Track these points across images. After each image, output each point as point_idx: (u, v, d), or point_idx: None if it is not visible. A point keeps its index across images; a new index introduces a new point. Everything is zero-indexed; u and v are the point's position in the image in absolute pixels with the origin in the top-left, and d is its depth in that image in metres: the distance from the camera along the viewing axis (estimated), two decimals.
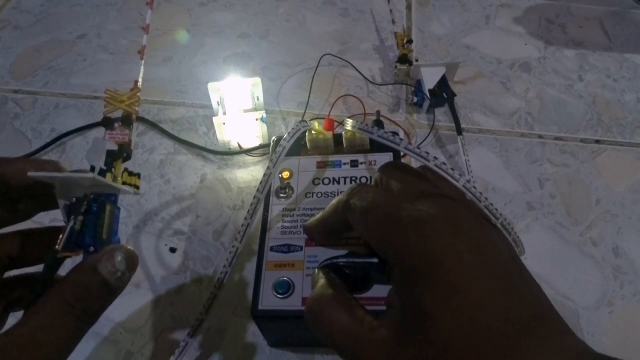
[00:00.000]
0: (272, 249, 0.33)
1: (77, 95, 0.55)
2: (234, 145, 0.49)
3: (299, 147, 0.38)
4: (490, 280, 0.20)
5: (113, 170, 0.24)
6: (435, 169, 0.29)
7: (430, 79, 0.52)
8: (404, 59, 0.54)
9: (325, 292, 0.25)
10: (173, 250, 0.43)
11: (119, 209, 0.24)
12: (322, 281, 0.26)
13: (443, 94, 0.52)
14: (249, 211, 0.32)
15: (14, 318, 0.24)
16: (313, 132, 0.37)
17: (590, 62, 0.59)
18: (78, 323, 0.20)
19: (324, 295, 0.24)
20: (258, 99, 0.47)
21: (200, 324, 0.34)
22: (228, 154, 0.49)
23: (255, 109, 0.47)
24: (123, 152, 0.25)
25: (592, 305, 0.40)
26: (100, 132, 0.51)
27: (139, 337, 0.38)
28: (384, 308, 0.29)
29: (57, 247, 0.21)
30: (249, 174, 0.48)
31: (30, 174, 0.21)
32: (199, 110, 0.53)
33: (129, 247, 0.23)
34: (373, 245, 0.25)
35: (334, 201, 0.28)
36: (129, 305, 0.39)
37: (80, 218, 0.22)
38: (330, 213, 0.29)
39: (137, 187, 0.25)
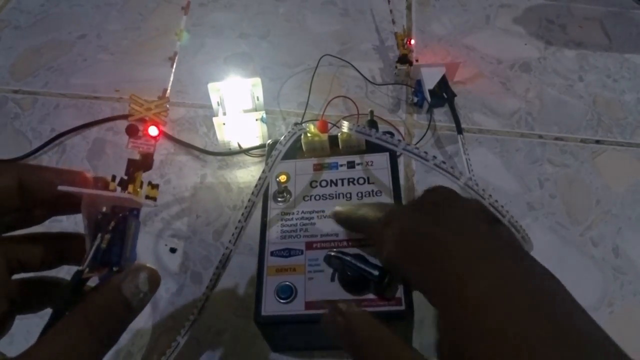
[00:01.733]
0: (272, 254, 0.33)
1: (77, 95, 0.55)
2: (233, 145, 0.49)
3: (294, 150, 0.38)
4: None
5: (134, 181, 0.23)
6: (435, 167, 0.29)
7: (430, 79, 0.52)
8: (404, 59, 0.54)
9: (379, 333, 0.23)
10: (173, 250, 0.43)
11: (140, 223, 0.23)
12: (368, 320, 0.24)
13: (443, 94, 0.52)
14: (242, 214, 0.32)
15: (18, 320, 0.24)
16: (308, 135, 0.37)
17: (590, 62, 0.59)
18: (101, 346, 0.20)
19: (380, 339, 0.23)
20: (258, 99, 0.47)
21: (192, 324, 0.33)
22: (228, 154, 0.49)
23: (255, 109, 0.47)
24: (146, 163, 0.23)
25: (592, 305, 0.40)
26: (100, 131, 0.51)
27: (139, 337, 0.38)
28: (380, 309, 0.30)
29: (82, 266, 0.21)
30: (249, 174, 0.48)
31: (61, 188, 0.21)
32: (198, 110, 0.53)
33: (151, 267, 0.22)
34: (406, 278, 0.25)
35: (371, 214, 0.27)
36: None
37: (107, 236, 0.21)
38: (362, 225, 0.28)
39: (155, 200, 0.24)
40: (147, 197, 0.23)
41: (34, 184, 0.22)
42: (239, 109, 0.47)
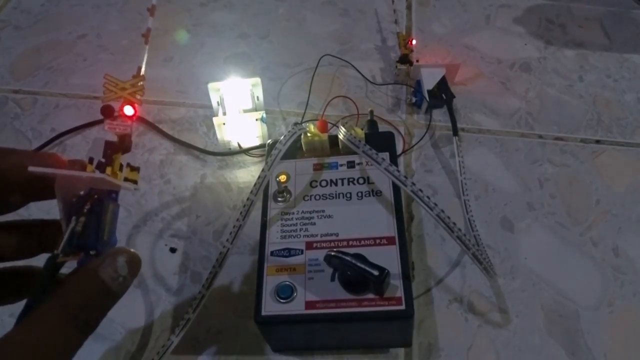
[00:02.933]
0: (272, 254, 0.33)
1: (77, 95, 0.55)
2: (233, 145, 0.49)
3: (294, 150, 0.38)
4: None
5: (112, 163, 0.22)
6: (411, 194, 0.29)
7: (429, 79, 0.52)
8: (405, 59, 0.54)
9: None
10: (173, 250, 0.43)
11: (119, 206, 0.22)
12: None
13: (442, 95, 0.52)
14: (241, 212, 0.32)
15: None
16: (308, 135, 0.37)
17: (590, 62, 0.59)
18: (79, 333, 0.19)
19: None
20: (258, 99, 0.47)
21: (186, 323, 0.33)
22: (228, 154, 0.49)
23: (255, 109, 0.47)
24: (124, 144, 0.22)
25: (591, 305, 0.40)
26: (100, 131, 0.51)
27: (139, 337, 0.38)
28: (380, 309, 0.30)
29: (56, 250, 0.20)
30: (249, 174, 0.48)
31: (31, 168, 0.20)
32: (198, 110, 0.53)
33: (131, 250, 0.21)
34: None
35: None
36: (129, 305, 0.39)
37: (82, 219, 0.20)
38: None
39: (136, 182, 0.23)
40: (127, 179, 0.22)
41: (4, 169, 0.21)
42: (238, 109, 0.47)
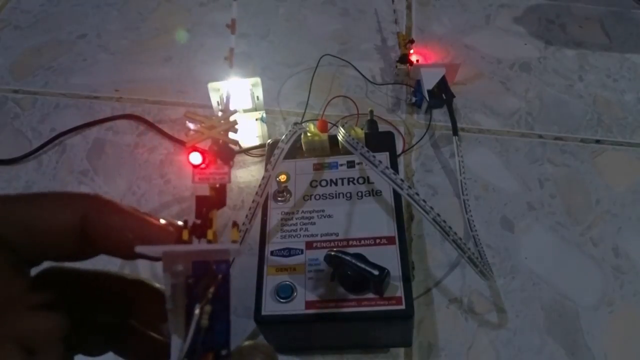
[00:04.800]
0: (272, 253, 0.33)
1: (76, 95, 0.55)
2: None
3: (294, 150, 0.38)
4: None
5: (211, 224, 0.17)
6: (407, 197, 0.30)
7: (429, 79, 0.52)
8: (405, 59, 0.54)
9: None
10: None
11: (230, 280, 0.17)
12: None
13: (442, 95, 0.52)
14: (247, 215, 0.32)
15: None
16: (308, 134, 0.37)
17: (590, 62, 0.59)
18: None
19: None
20: (258, 99, 0.47)
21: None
22: None
23: (255, 109, 0.47)
24: (220, 198, 0.17)
25: (592, 305, 0.40)
26: (100, 131, 0.51)
27: None
28: (380, 309, 0.30)
29: (179, 358, 0.15)
30: (249, 174, 0.48)
31: (139, 249, 0.15)
32: (198, 110, 0.53)
33: (266, 344, 0.17)
34: None
35: None
36: None
37: (209, 308, 0.15)
38: None
39: (237, 242, 0.17)
40: (234, 241, 0.17)
41: (98, 229, 0.16)
42: (238, 108, 0.47)
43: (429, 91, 0.51)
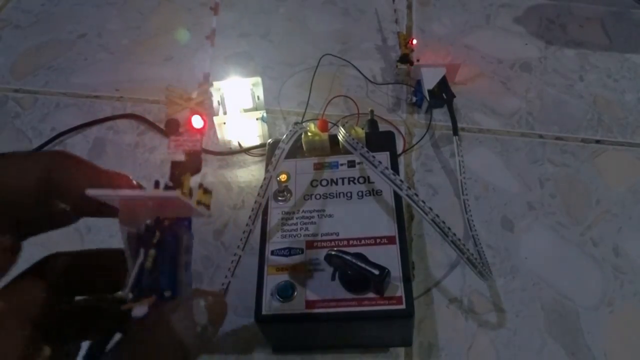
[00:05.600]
0: (272, 253, 0.33)
1: (77, 95, 0.55)
2: (234, 144, 0.49)
3: (294, 150, 0.38)
4: None
5: (181, 186, 0.18)
6: (406, 198, 0.29)
7: (429, 79, 0.52)
8: (405, 59, 0.54)
9: None
10: None
11: (193, 237, 0.18)
12: None
13: (442, 95, 0.52)
14: (250, 217, 0.31)
15: None
16: (309, 134, 0.37)
17: (590, 62, 0.59)
18: None
19: None
20: (258, 98, 0.47)
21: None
22: (228, 154, 0.49)
23: (256, 109, 0.47)
24: (193, 163, 0.18)
25: (592, 305, 0.40)
26: (100, 130, 0.51)
27: None
28: (381, 308, 0.30)
29: (124, 291, 0.16)
30: (249, 174, 0.48)
31: (89, 192, 0.16)
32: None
33: (215, 291, 0.18)
34: None
35: None
36: None
37: (153, 252, 0.17)
38: None
39: (208, 207, 0.19)
40: (199, 203, 0.18)
41: (63, 181, 0.17)
42: (239, 108, 0.47)
43: (429, 91, 0.51)
